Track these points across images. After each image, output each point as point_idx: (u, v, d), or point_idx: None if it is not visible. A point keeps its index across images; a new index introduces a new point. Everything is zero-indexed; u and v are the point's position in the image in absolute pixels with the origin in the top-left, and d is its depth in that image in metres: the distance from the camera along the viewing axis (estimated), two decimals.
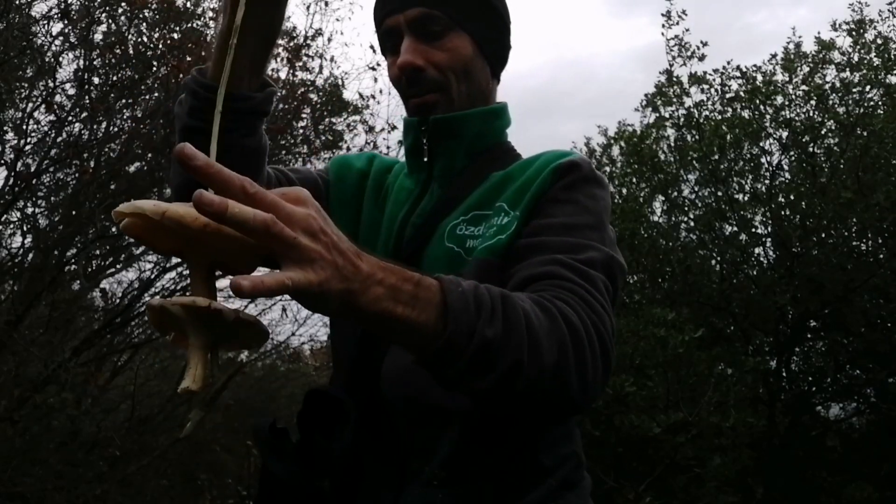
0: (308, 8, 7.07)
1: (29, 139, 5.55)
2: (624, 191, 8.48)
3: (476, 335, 0.82)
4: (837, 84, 7.85)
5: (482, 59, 1.23)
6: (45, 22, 5.50)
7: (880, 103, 7.73)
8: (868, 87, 7.71)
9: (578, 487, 1.15)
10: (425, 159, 1.24)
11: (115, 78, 5.75)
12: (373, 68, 6.99)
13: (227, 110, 0.99)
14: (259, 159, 1.14)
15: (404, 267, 0.82)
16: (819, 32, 8.20)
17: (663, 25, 7.74)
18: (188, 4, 6.32)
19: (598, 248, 1.06)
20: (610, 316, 0.99)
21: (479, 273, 1.07)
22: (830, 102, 7.78)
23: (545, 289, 0.97)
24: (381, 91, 7.06)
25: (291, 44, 6.97)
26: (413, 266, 1.14)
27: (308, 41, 7.00)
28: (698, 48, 7.84)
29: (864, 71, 7.71)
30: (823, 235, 7.80)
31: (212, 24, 6.36)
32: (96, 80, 5.74)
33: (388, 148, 6.98)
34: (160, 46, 5.91)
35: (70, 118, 5.62)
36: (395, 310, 0.79)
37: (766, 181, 8.00)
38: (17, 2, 5.25)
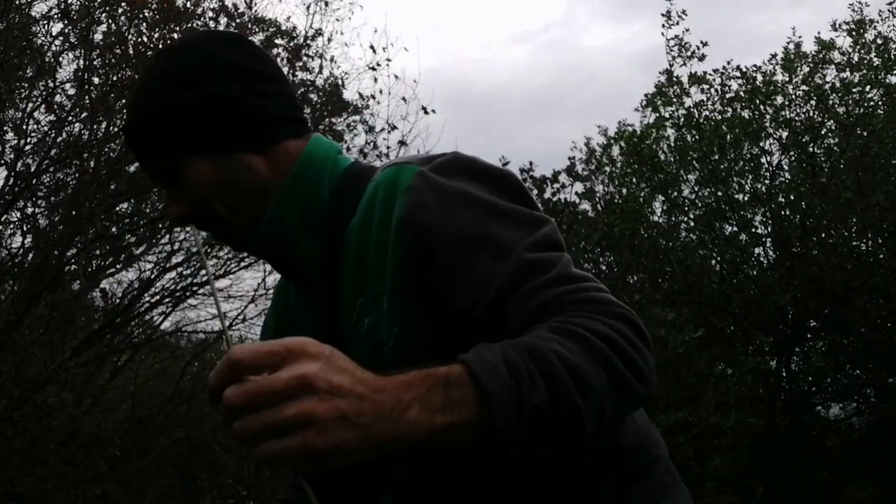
0: (308, 8, 7.05)
1: (29, 139, 5.56)
2: (624, 191, 8.48)
3: (524, 406, 0.76)
4: (837, 84, 7.84)
5: (227, 159, 1.04)
6: (45, 22, 5.51)
7: (880, 103, 7.73)
8: (868, 87, 7.71)
9: None
10: (288, 274, 1.14)
11: (115, 78, 5.74)
12: (373, 68, 6.98)
13: None
14: None
15: (425, 366, 0.76)
16: (819, 33, 8.21)
17: (663, 25, 7.75)
18: (188, 4, 6.32)
19: (525, 240, 0.93)
20: (604, 290, 0.91)
21: (405, 364, 0.92)
22: (830, 102, 7.78)
23: (550, 316, 0.87)
24: (381, 91, 7.05)
25: (291, 44, 6.97)
26: None
27: (308, 41, 6.99)
28: (698, 48, 7.84)
29: (864, 71, 7.71)
30: (823, 235, 7.80)
31: (211, 24, 6.36)
32: (96, 80, 5.74)
33: (388, 148, 6.98)
34: (160, 46, 5.91)
35: (70, 118, 5.62)
36: (434, 422, 0.73)
37: (766, 181, 8.00)
38: (18, 2, 5.25)
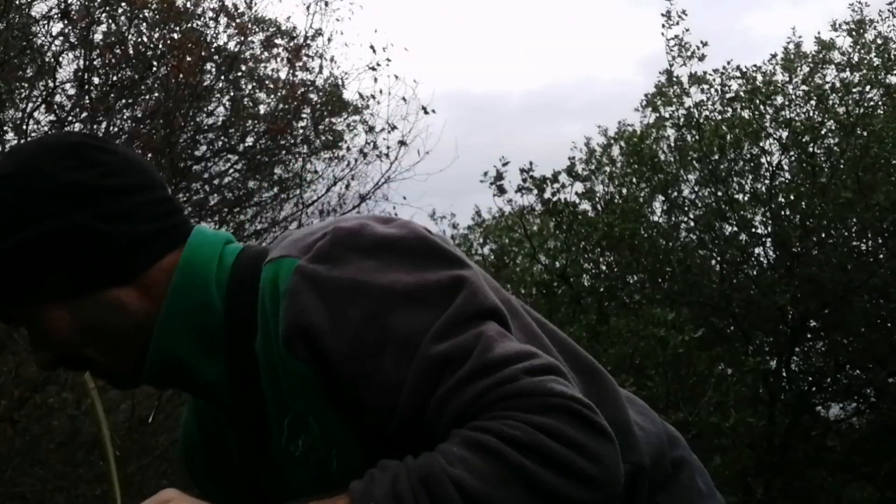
0: (308, 8, 7.05)
1: (29, 139, 5.56)
2: (624, 191, 8.49)
3: None
4: (837, 84, 7.86)
5: (88, 300, 0.86)
6: (45, 22, 5.51)
7: (880, 103, 7.74)
8: (868, 87, 7.72)
9: None
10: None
11: (115, 78, 5.75)
12: (373, 68, 6.98)
13: None
14: None
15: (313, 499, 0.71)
16: (819, 33, 8.22)
17: (663, 25, 7.76)
18: (188, 4, 6.32)
19: (433, 325, 0.79)
20: (539, 368, 0.78)
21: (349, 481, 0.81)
22: (830, 102, 7.78)
23: (469, 420, 0.77)
24: (381, 91, 7.04)
25: (291, 44, 6.97)
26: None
27: (308, 41, 6.99)
28: (698, 48, 7.85)
29: (864, 71, 7.72)
30: (823, 235, 7.81)
31: (211, 23, 6.36)
32: (96, 80, 5.74)
33: (387, 148, 6.98)
34: (160, 46, 5.91)
35: (70, 118, 5.62)
36: None
37: (766, 181, 8.01)
38: (18, 2, 5.25)
